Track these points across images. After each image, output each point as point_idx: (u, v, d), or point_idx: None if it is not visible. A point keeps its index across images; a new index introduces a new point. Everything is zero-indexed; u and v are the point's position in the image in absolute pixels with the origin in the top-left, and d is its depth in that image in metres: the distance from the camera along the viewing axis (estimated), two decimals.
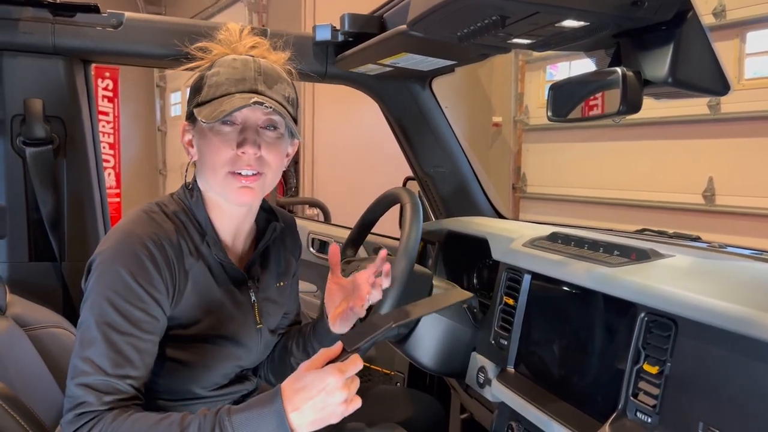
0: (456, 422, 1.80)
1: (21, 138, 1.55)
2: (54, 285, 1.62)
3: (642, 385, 0.96)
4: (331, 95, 4.66)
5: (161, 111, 8.32)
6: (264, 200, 1.18)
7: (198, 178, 1.11)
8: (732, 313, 0.83)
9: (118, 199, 5.54)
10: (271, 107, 1.01)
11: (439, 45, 1.37)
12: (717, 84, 0.99)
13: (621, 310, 1.04)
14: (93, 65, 1.73)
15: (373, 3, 1.56)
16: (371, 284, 1.10)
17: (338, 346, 0.94)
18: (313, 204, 4.56)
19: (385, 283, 1.11)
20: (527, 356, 1.29)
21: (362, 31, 1.54)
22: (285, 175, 4.84)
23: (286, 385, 0.91)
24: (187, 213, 1.10)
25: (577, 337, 1.17)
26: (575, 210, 4.86)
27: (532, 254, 1.30)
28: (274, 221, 1.21)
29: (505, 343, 1.32)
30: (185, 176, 1.14)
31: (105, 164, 5.22)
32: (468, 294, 1.29)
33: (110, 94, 5.31)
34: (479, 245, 1.53)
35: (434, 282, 1.44)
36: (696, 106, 3.84)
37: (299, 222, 2.42)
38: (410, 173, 2.06)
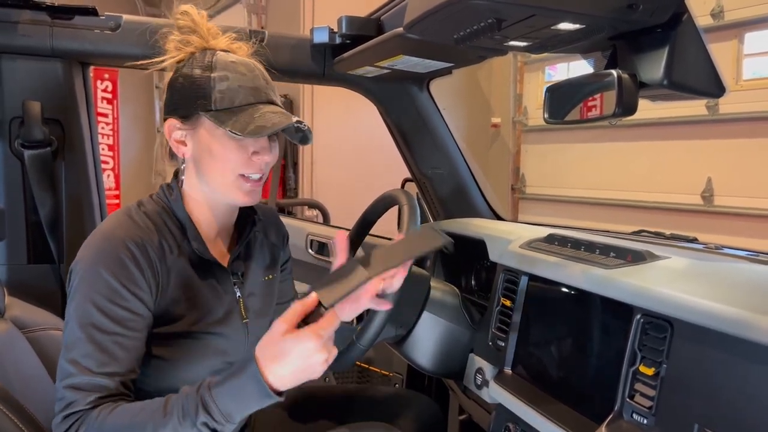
0: (454, 423, 1.80)
1: (19, 140, 1.55)
2: (52, 287, 1.62)
3: (638, 386, 0.96)
4: (330, 97, 4.66)
5: (161, 113, 8.31)
6: None
7: (194, 177, 1.11)
8: (727, 315, 0.83)
9: (117, 201, 5.53)
10: (306, 127, 1.07)
11: (437, 47, 1.38)
12: (712, 86, 0.99)
13: (617, 311, 1.04)
14: (91, 67, 1.73)
15: (371, 5, 1.56)
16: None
17: (313, 299, 0.93)
18: (312, 205, 4.56)
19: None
20: (524, 358, 1.29)
21: (359, 33, 1.54)
22: (284, 176, 4.84)
23: (262, 348, 0.91)
24: (167, 211, 1.11)
25: (574, 339, 1.17)
26: (574, 211, 4.86)
27: (529, 256, 1.31)
28: (253, 216, 1.22)
29: (503, 344, 1.33)
30: (181, 175, 1.14)
31: (104, 166, 5.21)
32: (446, 239, 1.06)
33: (109, 95, 5.31)
34: (477, 247, 1.54)
35: (432, 283, 1.44)
36: (694, 106, 3.84)
37: (298, 223, 2.44)
38: (409, 175, 2.06)
